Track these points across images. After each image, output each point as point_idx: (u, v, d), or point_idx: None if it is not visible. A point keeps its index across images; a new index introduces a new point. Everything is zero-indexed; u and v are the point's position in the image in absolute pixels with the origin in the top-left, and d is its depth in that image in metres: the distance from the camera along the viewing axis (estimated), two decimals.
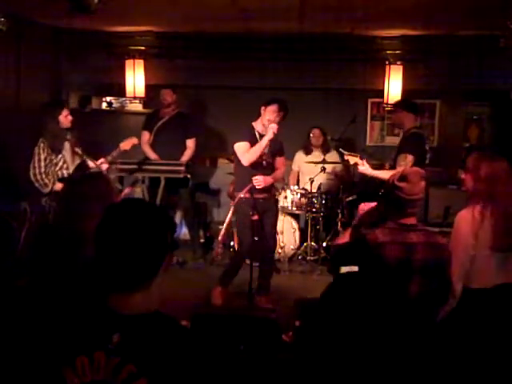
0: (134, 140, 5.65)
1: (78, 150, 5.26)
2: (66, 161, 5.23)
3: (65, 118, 5.20)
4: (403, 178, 2.88)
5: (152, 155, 6.51)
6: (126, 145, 5.52)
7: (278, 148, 5.29)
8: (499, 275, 2.95)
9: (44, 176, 5.12)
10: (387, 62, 6.88)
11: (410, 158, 5.03)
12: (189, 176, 6.18)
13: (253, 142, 5.06)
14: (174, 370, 1.42)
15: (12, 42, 5.83)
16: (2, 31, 5.40)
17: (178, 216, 6.80)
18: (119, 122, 7.84)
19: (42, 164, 5.12)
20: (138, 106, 7.62)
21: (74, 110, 6.42)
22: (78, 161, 5.33)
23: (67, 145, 5.27)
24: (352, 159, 5.19)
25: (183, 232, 6.84)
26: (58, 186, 5.16)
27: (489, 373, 2.73)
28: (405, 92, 6.94)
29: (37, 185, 5.14)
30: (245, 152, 5.05)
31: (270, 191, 5.30)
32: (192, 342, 1.50)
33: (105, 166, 5.30)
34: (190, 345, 1.48)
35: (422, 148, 5.19)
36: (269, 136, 4.97)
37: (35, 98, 6.31)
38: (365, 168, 5.05)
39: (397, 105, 5.62)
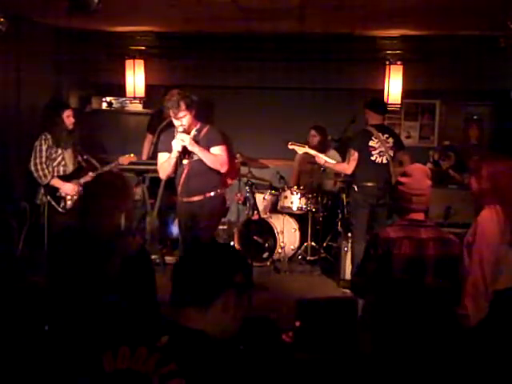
0: (133, 158, 5.76)
1: (77, 151, 5.41)
2: (65, 159, 5.31)
3: (67, 118, 5.31)
4: (406, 173, 2.96)
5: (144, 156, 6.65)
6: (124, 160, 5.63)
7: (209, 141, 4.60)
8: None
9: (44, 166, 5.23)
10: (387, 62, 6.88)
11: (352, 151, 5.55)
12: None
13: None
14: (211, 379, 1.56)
15: (12, 42, 5.83)
16: (1, 31, 5.41)
17: None
18: (119, 122, 7.85)
19: (44, 154, 5.24)
20: (138, 106, 7.63)
21: (74, 110, 6.43)
22: (73, 161, 5.42)
23: (69, 145, 5.37)
24: (300, 149, 5.64)
25: None
26: (55, 181, 5.23)
27: None
28: (405, 92, 6.95)
29: (35, 175, 5.23)
30: (160, 165, 4.67)
31: (204, 193, 4.62)
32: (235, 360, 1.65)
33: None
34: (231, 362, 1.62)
35: (363, 144, 5.53)
36: (174, 154, 4.50)
37: (35, 98, 6.31)
38: (315, 153, 5.64)
39: (364, 103, 5.94)
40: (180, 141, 4.45)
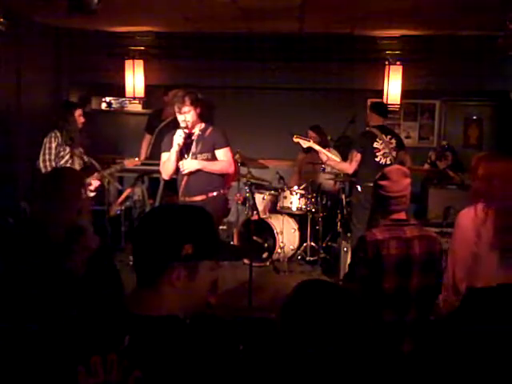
0: (138, 162, 5.84)
1: (80, 151, 5.45)
2: (73, 157, 5.36)
3: (78, 117, 5.44)
4: (384, 176, 2.95)
5: (142, 156, 6.63)
6: (129, 163, 5.70)
7: (214, 142, 4.60)
8: (502, 274, 2.93)
9: (54, 164, 5.27)
10: (387, 62, 6.89)
11: (355, 153, 5.58)
12: None
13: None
14: (181, 379, 1.40)
15: (12, 41, 5.83)
16: (1, 31, 5.41)
17: None
18: (118, 123, 7.86)
19: (53, 152, 5.29)
20: (137, 107, 7.64)
21: None
22: (79, 160, 5.45)
23: (77, 145, 5.45)
24: (304, 143, 5.59)
25: None
26: None
27: (491, 373, 2.72)
28: (404, 92, 6.95)
29: (44, 172, 5.24)
30: (162, 165, 4.65)
31: (207, 193, 4.58)
32: (200, 349, 1.47)
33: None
34: (197, 353, 1.45)
35: (368, 145, 5.59)
36: (174, 148, 4.49)
37: (35, 98, 6.32)
38: (319, 148, 5.57)
39: (368, 105, 6.16)
40: (181, 134, 4.46)
